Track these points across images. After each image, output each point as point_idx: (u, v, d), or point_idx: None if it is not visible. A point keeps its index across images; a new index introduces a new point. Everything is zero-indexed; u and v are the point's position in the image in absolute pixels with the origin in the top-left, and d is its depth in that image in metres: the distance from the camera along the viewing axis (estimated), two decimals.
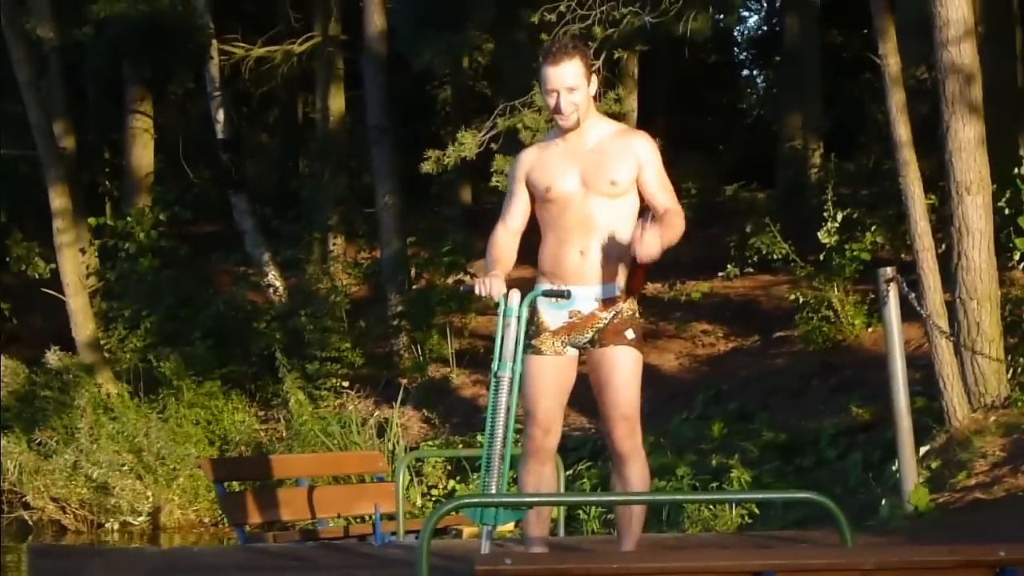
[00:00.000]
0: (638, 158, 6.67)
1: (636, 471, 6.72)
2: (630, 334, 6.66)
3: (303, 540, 10.21)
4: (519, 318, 6.61)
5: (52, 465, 17.72)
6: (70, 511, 17.78)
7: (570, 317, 6.70)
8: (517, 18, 18.53)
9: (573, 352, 6.75)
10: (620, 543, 6.83)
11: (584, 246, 6.64)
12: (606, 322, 6.66)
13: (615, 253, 6.62)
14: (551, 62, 6.63)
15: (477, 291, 6.65)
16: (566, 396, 6.82)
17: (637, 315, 6.69)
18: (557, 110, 6.65)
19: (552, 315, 6.72)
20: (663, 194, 6.66)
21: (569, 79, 6.61)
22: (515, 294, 6.61)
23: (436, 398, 18.16)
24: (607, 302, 6.66)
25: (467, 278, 19.48)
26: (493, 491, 6.56)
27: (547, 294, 6.67)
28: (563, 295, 6.63)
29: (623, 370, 6.65)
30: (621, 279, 6.64)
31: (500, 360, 6.61)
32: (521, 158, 6.91)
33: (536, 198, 6.77)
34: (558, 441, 6.82)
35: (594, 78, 6.71)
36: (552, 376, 6.72)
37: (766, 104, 33.46)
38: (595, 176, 6.64)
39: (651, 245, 6.40)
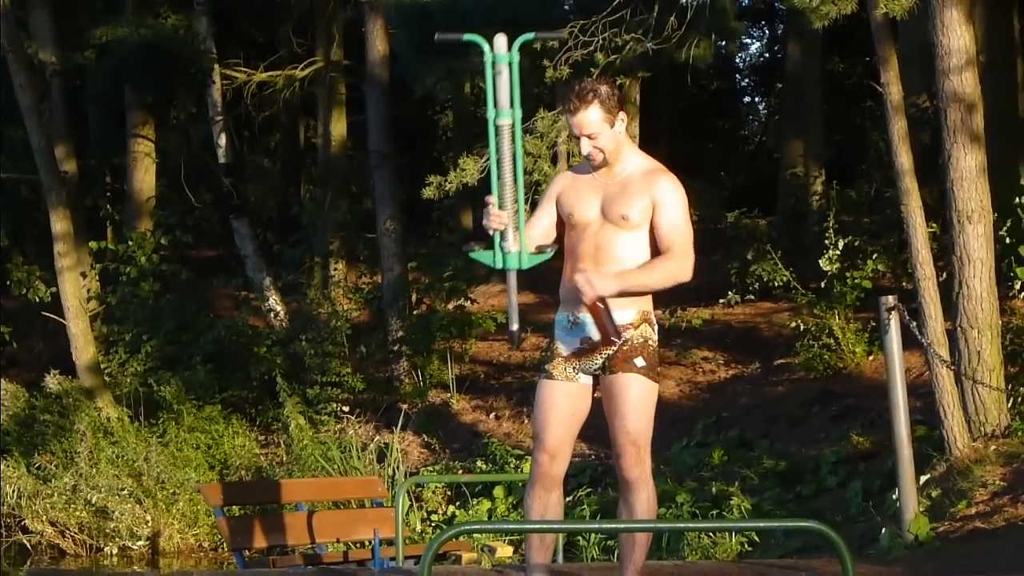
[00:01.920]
0: (655, 197, 6.68)
1: (642, 499, 6.69)
2: (640, 362, 6.63)
3: (302, 565, 10.21)
4: (511, 64, 6.36)
5: (51, 489, 17.66)
6: (69, 535, 17.70)
7: (581, 344, 6.70)
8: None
9: (586, 380, 6.74)
10: (621, 571, 6.82)
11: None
12: (615, 349, 6.65)
13: None
14: (569, 110, 6.68)
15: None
16: (577, 425, 6.78)
17: (651, 343, 6.66)
18: (584, 153, 6.69)
19: (566, 342, 6.73)
20: (669, 239, 6.67)
21: (587, 127, 6.64)
22: (500, 38, 6.37)
23: (436, 423, 18.14)
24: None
25: (467, 304, 19.49)
26: (509, 241, 6.44)
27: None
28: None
29: (632, 397, 6.62)
30: (631, 309, 6.63)
31: (497, 109, 6.37)
32: (556, 180, 6.98)
33: (562, 221, 6.79)
34: (565, 469, 6.79)
35: (621, 116, 6.68)
36: (562, 401, 6.71)
37: (768, 131, 33.55)
38: (611, 208, 6.67)
39: (590, 284, 6.44)
